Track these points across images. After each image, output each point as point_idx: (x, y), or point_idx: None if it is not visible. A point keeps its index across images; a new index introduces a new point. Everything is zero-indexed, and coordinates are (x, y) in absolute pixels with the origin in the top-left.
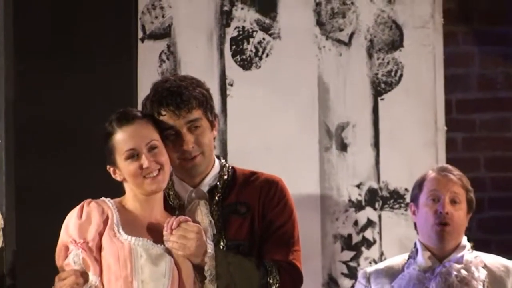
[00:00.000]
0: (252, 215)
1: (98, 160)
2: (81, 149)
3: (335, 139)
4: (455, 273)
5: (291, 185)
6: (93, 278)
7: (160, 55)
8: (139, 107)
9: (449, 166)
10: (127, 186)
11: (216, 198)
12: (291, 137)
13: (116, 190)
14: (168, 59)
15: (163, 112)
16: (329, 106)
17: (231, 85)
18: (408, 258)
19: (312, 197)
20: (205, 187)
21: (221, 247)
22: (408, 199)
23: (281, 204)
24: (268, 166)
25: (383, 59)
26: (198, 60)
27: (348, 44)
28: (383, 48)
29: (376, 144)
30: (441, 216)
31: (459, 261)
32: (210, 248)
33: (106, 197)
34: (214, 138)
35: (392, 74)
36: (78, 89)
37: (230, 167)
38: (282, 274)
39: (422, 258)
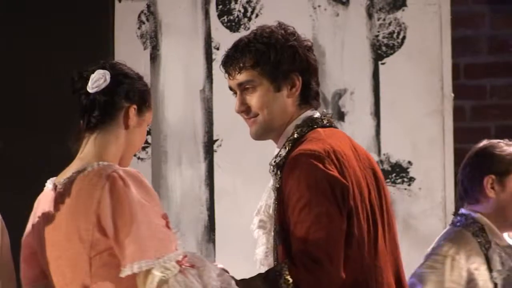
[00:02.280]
0: (279, 199)
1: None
2: (52, 119)
3: (332, 107)
4: None
5: None
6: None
7: (139, 16)
8: None
9: None
10: (123, 139)
11: (278, 172)
12: None
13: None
14: (147, 20)
15: (223, 70)
16: (325, 71)
17: (217, 48)
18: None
19: None
20: (276, 157)
21: (275, 231)
22: (411, 173)
23: (293, 181)
24: None
25: (384, 20)
26: (181, 21)
27: (345, 3)
28: (384, 7)
29: (377, 113)
30: None
31: None
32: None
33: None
34: (291, 97)
35: (394, 36)
36: (48, 55)
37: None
38: (293, 273)
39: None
